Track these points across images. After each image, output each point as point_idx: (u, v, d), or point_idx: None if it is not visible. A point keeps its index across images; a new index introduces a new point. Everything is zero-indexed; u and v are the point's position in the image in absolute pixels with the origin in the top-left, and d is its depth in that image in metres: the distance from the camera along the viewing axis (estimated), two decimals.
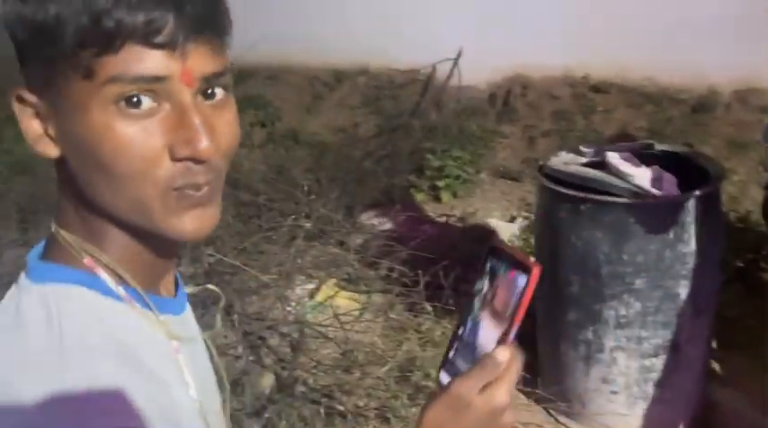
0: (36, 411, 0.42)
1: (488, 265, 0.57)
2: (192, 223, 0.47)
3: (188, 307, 0.58)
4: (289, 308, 2.58)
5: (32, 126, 0.48)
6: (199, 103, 0.46)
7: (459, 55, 4.17)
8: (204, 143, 0.44)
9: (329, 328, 2.39)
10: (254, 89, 4.77)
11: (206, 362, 0.59)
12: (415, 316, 2.50)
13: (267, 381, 2.15)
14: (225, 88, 0.48)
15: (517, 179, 3.68)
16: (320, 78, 4.79)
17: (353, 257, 2.85)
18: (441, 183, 3.50)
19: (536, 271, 0.52)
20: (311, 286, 2.72)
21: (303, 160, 4.28)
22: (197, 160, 0.45)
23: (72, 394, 0.42)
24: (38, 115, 0.47)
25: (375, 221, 3.16)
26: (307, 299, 2.65)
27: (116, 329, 0.47)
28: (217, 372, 0.61)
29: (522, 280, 0.53)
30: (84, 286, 0.48)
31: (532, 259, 0.53)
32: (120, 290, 0.50)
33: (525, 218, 3.22)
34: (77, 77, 0.44)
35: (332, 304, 2.56)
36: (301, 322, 2.43)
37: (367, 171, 3.57)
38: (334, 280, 2.72)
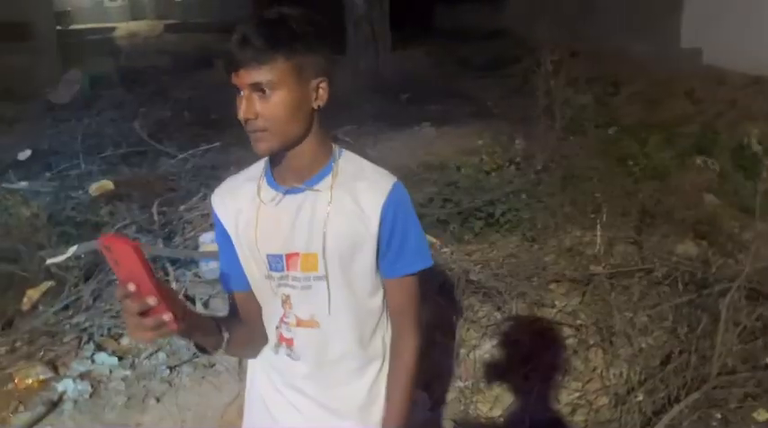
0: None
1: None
2: (254, 147, 1.00)
3: (292, 196, 1.07)
4: None
5: None
6: (250, 95, 0.97)
7: None
8: (241, 113, 0.97)
9: None
10: None
11: (287, 222, 1.06)
12: None
13: None
14: (270, 88, 0.96)
15: None
16: None
17: None
18: None
19: None
20: None
21: None
22: (245, 120, 0.98)
23: (219, 191, 1.14)
24: None
25: None
26: None
27: (241, 182, 1.12)
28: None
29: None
30: (260, 168, 1.13)
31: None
32: (266, 172, 1.10)
33: None
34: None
35: None
36: None
37: None
38: None
